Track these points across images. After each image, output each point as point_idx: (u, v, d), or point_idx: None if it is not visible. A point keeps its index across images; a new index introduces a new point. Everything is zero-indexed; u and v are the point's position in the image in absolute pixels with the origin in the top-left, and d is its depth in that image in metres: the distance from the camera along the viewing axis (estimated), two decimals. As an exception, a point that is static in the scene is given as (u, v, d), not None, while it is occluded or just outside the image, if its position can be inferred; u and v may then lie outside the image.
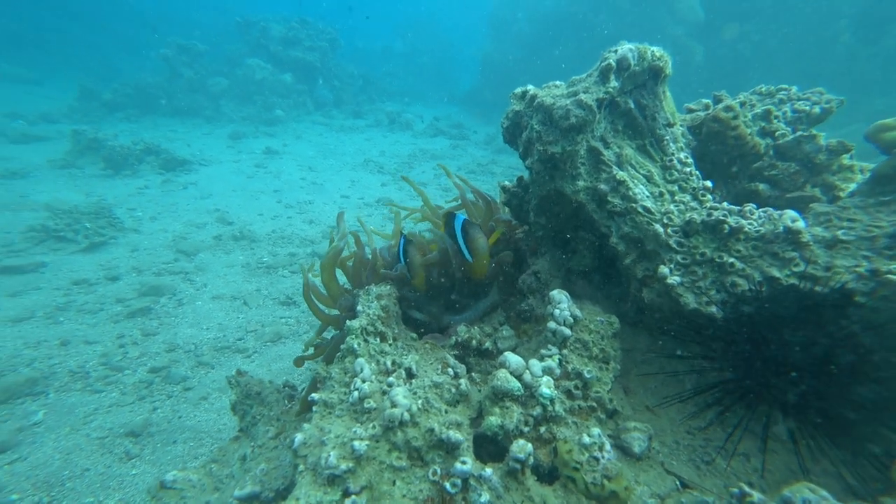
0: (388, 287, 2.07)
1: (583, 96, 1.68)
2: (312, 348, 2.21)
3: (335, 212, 9.02)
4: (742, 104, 2.00)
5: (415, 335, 2.04)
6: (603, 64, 1.68)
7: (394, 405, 1.48)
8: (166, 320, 5.20)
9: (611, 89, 1.69)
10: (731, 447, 1.63)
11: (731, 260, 1.63)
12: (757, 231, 1.61)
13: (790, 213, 1.59)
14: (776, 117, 2.00)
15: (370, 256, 2.33)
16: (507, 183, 2.29)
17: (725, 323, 1.65)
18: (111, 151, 9.72)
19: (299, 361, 2.19)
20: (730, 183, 2.26)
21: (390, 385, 1.63)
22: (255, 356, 4.84)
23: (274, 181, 10.60)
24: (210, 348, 4.84)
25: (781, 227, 1.57)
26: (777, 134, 1.98)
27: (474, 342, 1.99)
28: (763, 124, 2.02)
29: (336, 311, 2.21)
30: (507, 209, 2.36)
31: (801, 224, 1.56)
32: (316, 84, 17.84)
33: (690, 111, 2.18)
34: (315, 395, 1.63)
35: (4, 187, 8.64)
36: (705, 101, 2.16)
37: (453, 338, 2.01)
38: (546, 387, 1.58)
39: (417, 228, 3.00)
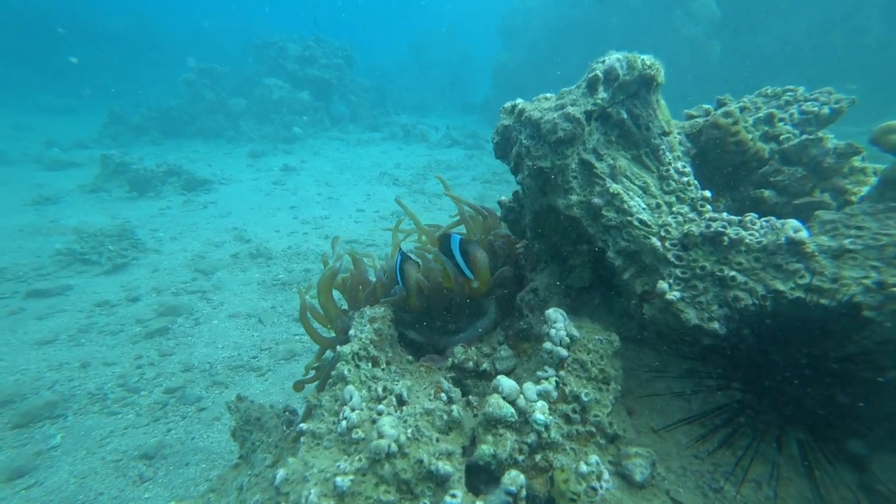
0: (383, 309, 2.03)
1: (570, 109, 1.63)
2: (313, 370, 2.19)
3: (350, 227, 9.10)
4: (743, 109, 1.91)
5: (410, 357, 2.00)
6: (590, 75, 1.63)
7: (381, 436, 1.44)
8: (183, 340, 5.29)
9: (599, 101, 1.63)
10: (741, 473, 1.53)
11: (733, 273, 1.54)
12: (759, 242, 1.52)
13: (793, 222, 1.49)
14: (780, 120, 1.90)
15: (371, 277, 2.31)
16: (503, 198, 2.24)
17: (729, 339, 1.56)
18: (136, 174, 10.05)
19: (299, 385, 2.17)
20: (734, 190, 2.16)
21: (380, 413, 1.59)
22: (269, 374, 4.87)
23: (291, 197, 10.77)
24: (224, 367, 4.89)
25: (784, 238, 1.48)
26: (782, 138, 1.88)
27: (471, 364, 1.94)
28: (766, 128, 1.92)
29: (333, 334, 2.19)
30: (505, 224, 2.31)
31: (804, 234, 1.46)
32: (332, 100, 18.16)
33: (690, 117, 2.09)
34: (303, 426, 1.60)
35: (38, 213, 9.02)
36: (706, 106, 2.08)
37: (450, 359, 1.96)
38: (540, 412, 1.52)
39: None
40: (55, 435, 3.87)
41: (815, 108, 1.97)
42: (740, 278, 1.51)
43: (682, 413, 1.79)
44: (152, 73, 23.48)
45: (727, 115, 1.82)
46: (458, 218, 2.55)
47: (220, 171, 12.38)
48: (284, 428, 2.23)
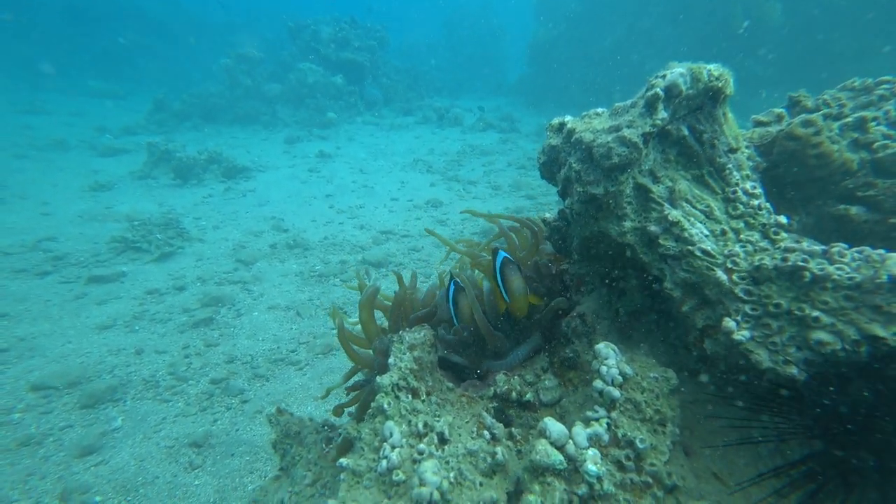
0: (423, 333, 1.97)
1: (626, 132, 1.48)
2: (353, 392, 2.16)
3: (385, 216, 9.10)
4: (826, 116, 1.68)
5: (451, 385, 1.93)
6: (649, 93, 1.47)
7: (422, 483, 1.39)
8: (226, 331, 5.45)
9: (658, 121, 1.47)
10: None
11: (816, 313, 1.38)
12: (850, 279, 1.35)
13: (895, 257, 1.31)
14: (874, 120, 1.65)
15: (415, 297, 2.24)
16: (548, 216, 2.11)
17: (812, 386, 1.41)
18: (179, 162, 10.33)
19: (339, 410, 2.15)
20: (809, 204, 1.95)
21: (421, 454, 1.53)
22: (308, 368, 4.96)
23: (326, 186, 10.85)
24: (265, 360, 5.01)
25: (886, 276, 1.30)
26: (875, 146, 1.64)
27: (514, 394, 1.86)
28: (856, 135, 1.69)
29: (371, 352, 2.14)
30: (549, 244, 2.19)
31: (908, 277, 1.28)
32: (365, 84, 18.07)
33: (759, 124, 1.88)
34: (344, 461, 1.57)
35: (94, 199, 9.45)
36: (777, 110, 1.86)
37: (491, 388, 1.88)
38: (592, 462, 1.42)
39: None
40: (117, 417, 4.12)
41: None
42: (826, 319, 1.35)
43: (748, 458, 1.66)
44: (193, 58, 23.98)
45: (807, 123, 1.62)
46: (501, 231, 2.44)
47: (257, 157, 12.60)
48: (323, 446, 2.23)
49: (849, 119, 1.68)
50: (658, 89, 1.43)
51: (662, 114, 1.46)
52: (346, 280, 6.73)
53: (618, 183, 1.55)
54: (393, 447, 1.56)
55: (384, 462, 1.51)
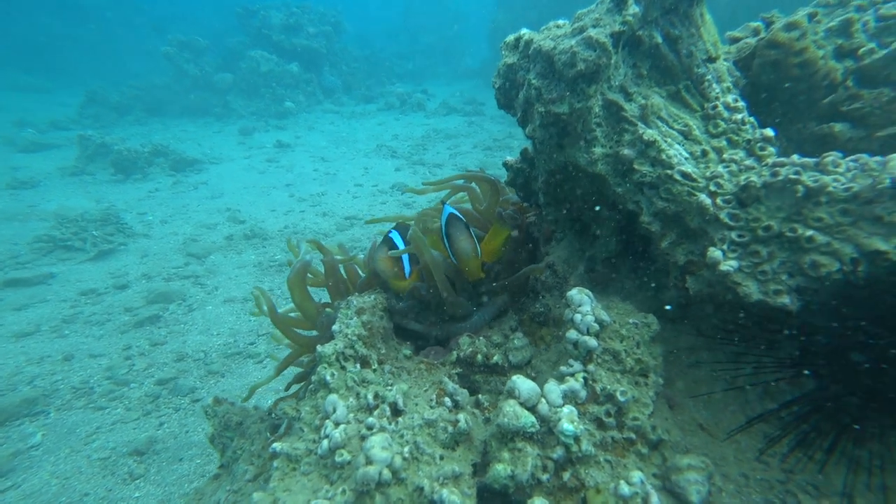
0: (373, 297, 1.72)
1: (592, 32, 1.26)
2: (295, 385, 1.89)
3: (348, 202, 8.74)
4: (812, 16, 1.50)
5: (408, 352, 1.69)
6: (618, -16, 1.24)
7: (369, 461, 1.14)
8: (175, 328, 5.04)
9: (629, 18, 1.25)
10: (824, 484, 1.23)
11: (810, 233, 1.20)
12: (846, 189, 1.17)
13: (898, 161, 1.14)
14: (863, 25, 1.49)
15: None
16: (510, 159, 1.88)
17: (804, 316, 1.23)
18: (119, 156, 9.63)
19: (278, 404, 1.87)
20: (791, 128, 1.78)
21: (370, 428, 1.29)
22: (268, 361, 4.63)
23: (286, 175, 10.37)
24: (220, 355, 4.65)
25: (888, 181, 1.12)
26: (861, 52, 1.47)
27: (480, 357, 1.63)
28: (840, 41, 1.52)
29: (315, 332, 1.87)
30: (512, 189, 1.96)
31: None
32: (323, 71, 17.44)
33: (734, 40, 1.70)
34: (277, 446, 1.31)
35: (13, 198, 8.63)
36: (754, 24, 1.68)
37: (454, 353, 1.65)
38: (568, 421, 1.21)
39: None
40: (35, 433, 3.65)
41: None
42: (820, 238, 1.17)
43: (736, 404, 1.49)
44: (127, 48, 22.45)
45: (790, 26, 1.44)
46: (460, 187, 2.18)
47: (210, 150, 11.95)
48: (268, 435, 1.95)
49: (832, 22, 1.51)
50: (626, -24, 1.21)
51: (634, 8, 1.24)
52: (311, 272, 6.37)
53: (585, 97, 1.33)
54: (336, 424, 1.31)
55: (325, 442, 1.26)
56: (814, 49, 1.45)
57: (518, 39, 1.50)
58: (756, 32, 1.65)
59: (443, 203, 1.84)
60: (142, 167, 9.80)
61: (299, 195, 9.14)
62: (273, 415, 2.08)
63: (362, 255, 2.10)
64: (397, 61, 23.10)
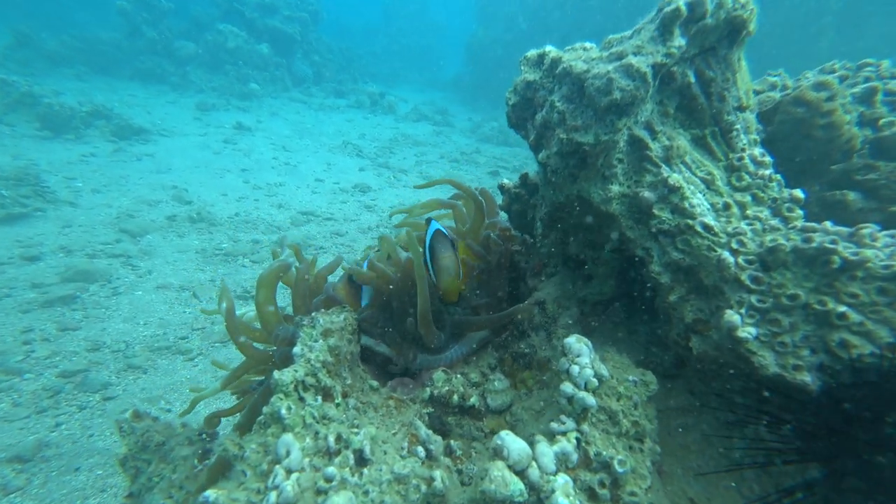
0: (343, 316, 1.50)
1: (633, 59, 1.13)
2: (235, 395, 1.63)
3: (307, 197, 8.33)
4: (843, 79, 1.47)
5: (375, 384, 1.49)
6: (667, 9, 1.13)
7: (327, 531, 0.93)
8: (94, 312, 4.49)
9: (674, 49, 1.15)
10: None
11: (843, 308, 1.12)
12: (886, 267, 1.10)
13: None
14: (879, 99, 1.48)
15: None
16: (507, 182, 1.73)
17: (825, 398, 1.15)
18: (48, 109, 8.67)
19: (213, 421, 1.61)
20: (805, 189, 1.75)
21: (329, 480, 1.07)
22: (200, 359, 4.21)
23: (243, 159, 9.78)
24: (145, 348, 4.17)
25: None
26: (881, 122, 1.46)
27: (456, 397, 1.45)
28: (863, 109, 1.50)
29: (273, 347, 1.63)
30: (506, 216, 1.81)
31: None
32: (295, 58, 16.83)
33: (755, 93, 1.66)
34: (211, 495, 1.06)
35: None
36: (771, 78, 1.64)
37: (427, 389, 1.46)
38: (563, 495, 1.05)
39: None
40: None
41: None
42: (854, 317, 1.09)
43: (730, 478, 1.40)
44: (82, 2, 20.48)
45: (820, 86, 1.39)
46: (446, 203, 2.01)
47: (160, 120, 11.09)
48: (196, 462, 1.67)
49: (857, 89, 1.49)
50: (680, 4, 1.10)
51: (679, 40, 1.13)
52: (257, 261, 5.96)
53: (613, 130, 1.20)
54: (289, 472, 1.08)
55: (273, 495, 1.04)
56: (840, 113, 1.41)
57: (542, 56, 1.37)
58: (774, 86, 1.61)
59: (429, 220, 1.67)
60: (76, 127, 8.89)
61: (255, 182, 8.63)
62: (203, 436, 1.79)
63: (318, 255, 1.88)
64: (372, 60, 22.78)
